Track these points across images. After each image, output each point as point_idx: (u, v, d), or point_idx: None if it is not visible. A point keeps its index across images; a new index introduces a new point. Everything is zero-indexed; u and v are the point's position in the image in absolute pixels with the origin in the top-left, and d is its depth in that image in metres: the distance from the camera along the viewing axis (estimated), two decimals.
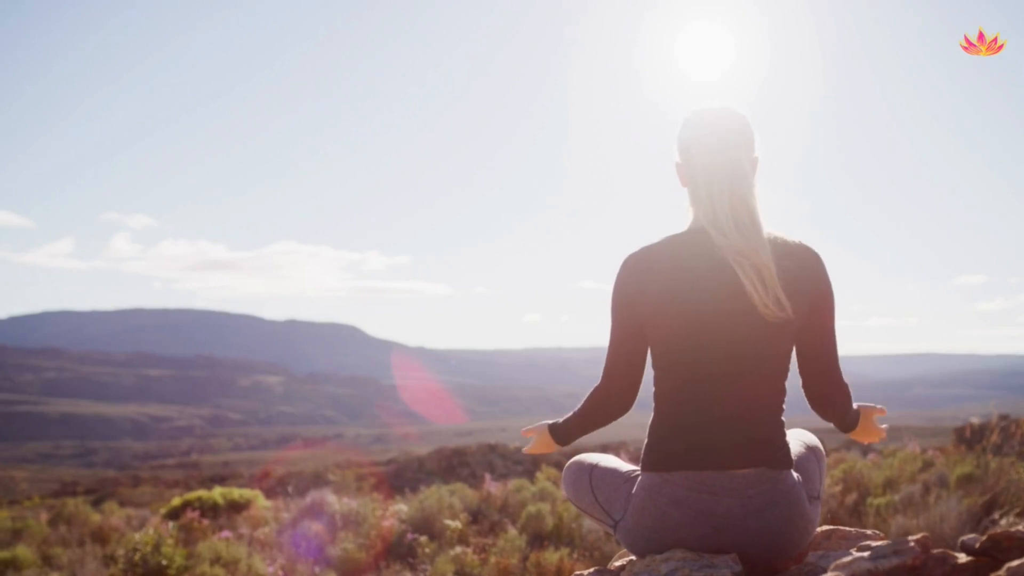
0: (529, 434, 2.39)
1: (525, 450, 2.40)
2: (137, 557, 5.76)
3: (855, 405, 2.21)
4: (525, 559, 5.54)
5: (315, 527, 7.37)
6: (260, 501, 10.36)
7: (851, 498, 6.49)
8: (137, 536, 6.25)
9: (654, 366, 2.04)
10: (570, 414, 2.25)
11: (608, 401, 2.14)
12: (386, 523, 6.92)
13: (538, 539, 6.36)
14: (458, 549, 5.85)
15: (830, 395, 2.08)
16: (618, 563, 2.24)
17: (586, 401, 2.18)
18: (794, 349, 2.04)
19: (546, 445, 2.33)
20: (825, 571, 1.87)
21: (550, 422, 2.32)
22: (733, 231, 1.93)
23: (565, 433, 2.27)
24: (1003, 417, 9.79)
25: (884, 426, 2.30)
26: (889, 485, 6.82)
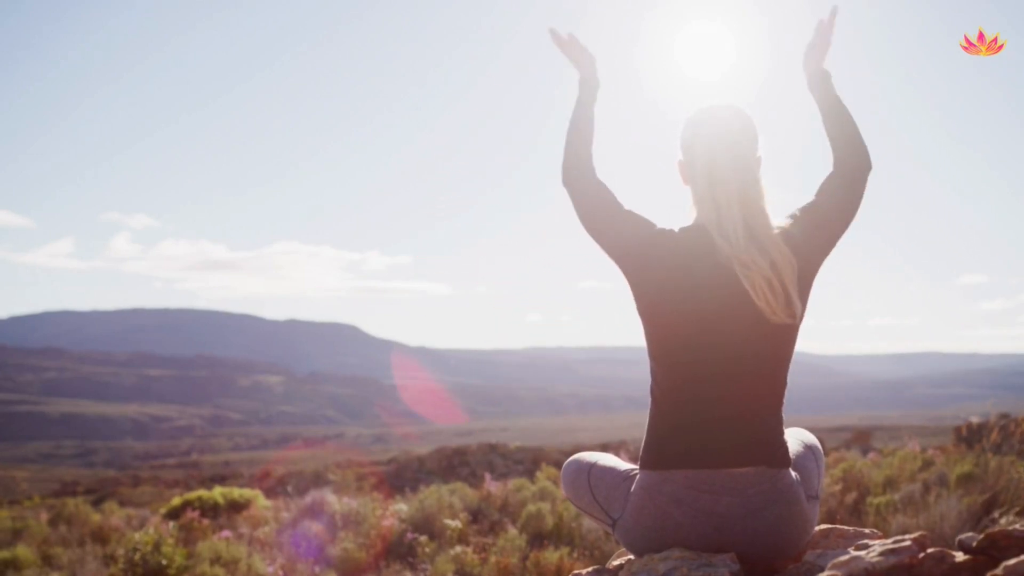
0: (574, 43, 2.26)
1: (552, 28, 2.26)
2: (137, 557, 5.76)
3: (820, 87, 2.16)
4: (525, 558, 5.53)
5: (315, 527, 7.37)
6: (260, 501, 10.37)
7: (851, 497, 6.49)
8: (137, 536, 6.24)
9: (653, 364, 2.04)
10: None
11: (586, 161, 2.15)
12: (386, 523, 6.92)
13: (538, 538, 6.36)
14: (458, 549, 5.85)
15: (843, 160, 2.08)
16: (616, 562, 2.24)
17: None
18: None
19: (580, 57, 2.24)
20: (823, 570, 1.87)
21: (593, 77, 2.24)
22: (742, 239, 1.92)
23: (591, 92, 2.23)
24: (1003, 416, 9.78)
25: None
26: (889, 484, 6.82)
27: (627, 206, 2.10)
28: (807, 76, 2.19)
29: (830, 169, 2.09)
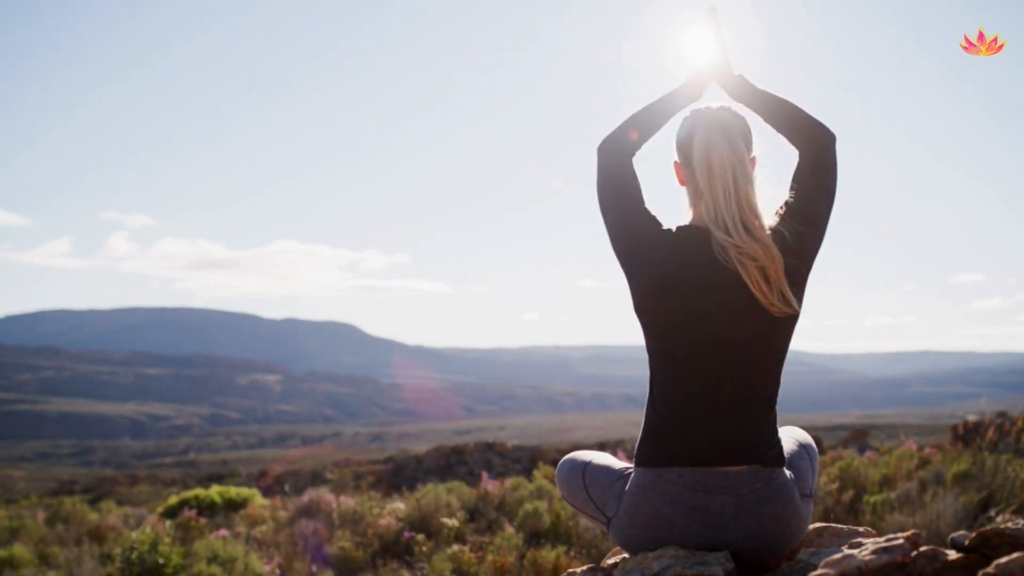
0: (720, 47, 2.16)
1: (713, 8, 2.18)
2: (134, 556, 5.75)
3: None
4: (522, 557, 5.53)
5: (312, 526, 7.38)
6: (257, 500, 10.37)
7: (848, 495, 6.49)
8: (134, 535, 6.24)
9: (651, 361, 2.04)
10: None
11: (632, 145, 2.13)
12: (383, 521, 6.92)
13: (535, 537, 6.36)
14: (455, 547, 5.85)
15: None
16: (611, 561, 2.25)
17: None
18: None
19: (706, 63, 2.16)
20: (816, 568, 1.87)
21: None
22: (739, 230, 1.92)
23: (688, 97, 2.16)
24: (999, 414, 9.80)
25: None
26: (886, 482, 6.83)
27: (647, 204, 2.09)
28: (725, 89, 2.15)
29: (796, 160, 2.08)
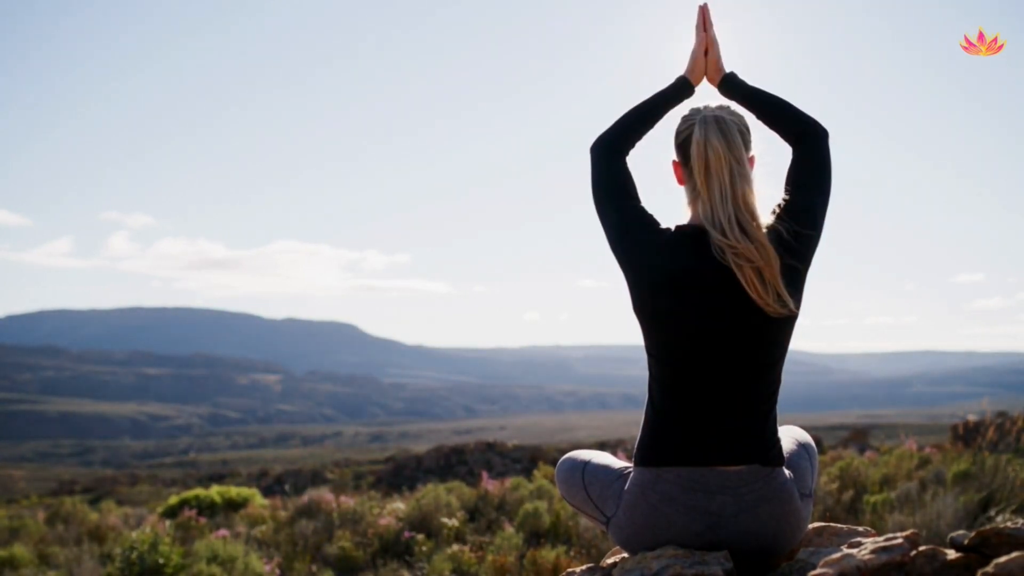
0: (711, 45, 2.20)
1: (705, 6, 2.21)
2: (134, 556, 5.75)
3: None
4: (522, 557, 5.53)
5: (312, 525, 7.38)
6: (258, 499, 10.38)
7: (848, 495, 6.50)
8: (134, 535, 6.24)
9: (650, 361, 2.04)
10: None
11: (625, 144, 2.15)
12: (383, 521, 6.92)
13: (535, 537, 6.36)
14: (455, 547, 5.85)
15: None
16: (610, 560, 2.24)
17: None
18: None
19: (699, 61, 2.19)
20: (815, 568, 1.87)
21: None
22: (735, 231, 1.91)
23: (680, 95, 2.19)
24: (1000, 414, 9.80)
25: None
26: (886, 482, 6.83)
27: (643, 203, 2.10)
28: (716, 86, 2.18)
29: (790, 157, 2.09)
